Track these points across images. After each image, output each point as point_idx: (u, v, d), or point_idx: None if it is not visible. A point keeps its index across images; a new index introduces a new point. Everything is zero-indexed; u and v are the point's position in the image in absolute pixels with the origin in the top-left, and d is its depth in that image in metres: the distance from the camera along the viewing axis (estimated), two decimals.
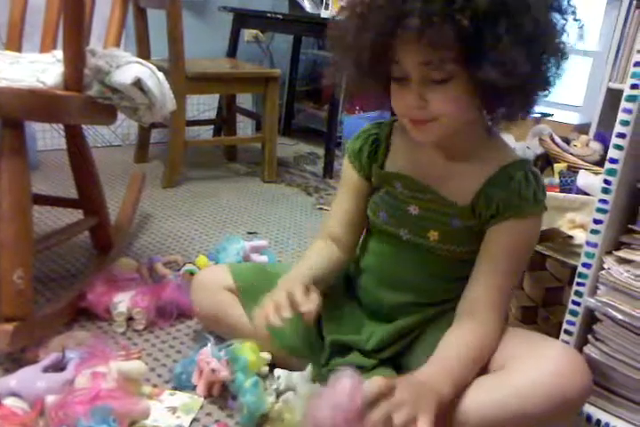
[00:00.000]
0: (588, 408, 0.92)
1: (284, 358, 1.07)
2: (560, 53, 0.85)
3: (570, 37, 0.86)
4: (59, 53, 1.14)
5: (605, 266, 0.90)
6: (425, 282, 1.00)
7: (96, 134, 2.56)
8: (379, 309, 1.04)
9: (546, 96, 0.89)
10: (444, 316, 0.98)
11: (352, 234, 1.07)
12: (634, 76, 0.85)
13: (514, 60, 0.78)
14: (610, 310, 0.88)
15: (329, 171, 2.46)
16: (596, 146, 2.05)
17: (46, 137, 2.42)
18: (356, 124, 2.87)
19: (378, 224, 1.03)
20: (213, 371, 0.98)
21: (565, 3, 0.86)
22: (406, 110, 0.88)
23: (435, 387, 0.80)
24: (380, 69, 0.87)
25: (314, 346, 1.04)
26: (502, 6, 0.77)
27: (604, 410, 0.92)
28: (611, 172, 0.88)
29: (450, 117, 0.87)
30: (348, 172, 1.07)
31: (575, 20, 0.86)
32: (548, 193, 0.95)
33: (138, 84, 1.16)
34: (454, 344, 0.89)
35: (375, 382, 0.75)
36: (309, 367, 1.03)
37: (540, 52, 0.82)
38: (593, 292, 0.92)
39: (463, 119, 0.89)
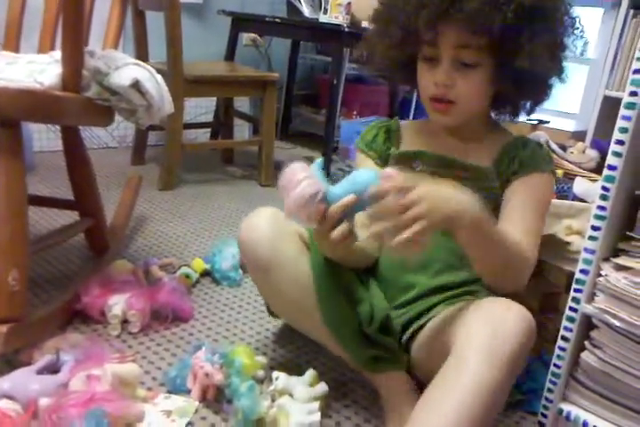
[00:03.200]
0: (586, 416, 0.92)
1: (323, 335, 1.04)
2: (562, 59, 0.98)
3: (575, 51, 1.00)
4: (57, 54, 1.14)
5: (603, 273, 0.90)
6: (444, 259, 1.01)
7: (93, 136, 2.55)
8: (399, 293, 1.04)
9: (537, 101, 1.02)
10: (457, 299, 0.99)
11: None
12: (633, 83, 0.85)
13: (543, 54, 0.91)
14: (607, 316, 0.88)
15: (326, 175, 2.46)
16: (592, 153, 2.06)
17: (43, 138, 2.41)
18: (353, 128, 2.87)
19: None
20: (207, 375, 0.98)
21: (576, 21, 0.98)
22: (433, 88, 0.97)
23: (460, 206, 0.82)
24: (413, 47, 0.98)
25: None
26: (540, 7, 0.90)
27: (601, 417, 0.91)
28: (609, 178, 0.88)
29: (468, 101, 0.97)
30: (362, 164, 1.10)
31: (582, 37, 0.99)
32: None
33: (136, 85, 1.16)
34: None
35: (393, 172, 0.79)
36: (308, 372, 1.02)
37: (558, 54, 0.95)
38: (590, 298, 0.91)
39: (478, 105, 1.00)
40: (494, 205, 1.00)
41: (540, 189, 1.00)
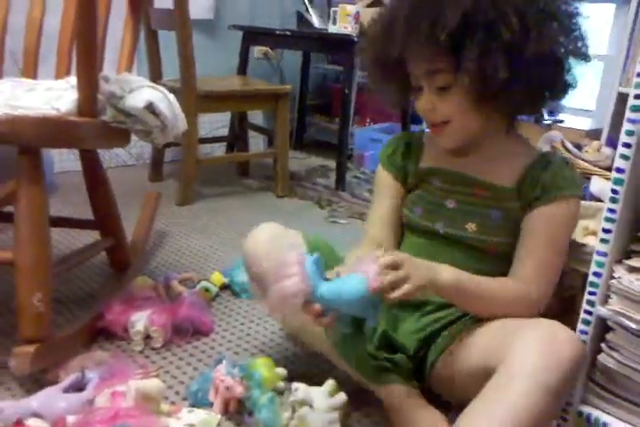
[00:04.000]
0: (605, 418, 0.92)
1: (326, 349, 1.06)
2: (558, 56, 0.92)
3: (572, 41, 0.94)
4: (73, 80, 1.17)
5: (616, 275, 0.90)
6: None
7: (111, 155, 2.60)
8: (414, 309, 1.05)
9: (556, 96, 0.98)
10: (461, 321, 1.00)
11: (393, 237, 1.10)
12: (638, 86, 0.85)
13: (491, 67, 0.87)
14: (622, 318, 0.88)
15: (341, 183, 2.48)
16: (607, 151, 2.04)
17: (63, 159, 2.46)
18: (366, 136, 2.89)
19: (413, 220, 1.07)
20: (228, 389, 1.00)
21: (562, 8, 0.93)
22: (423, 114, 1.00)
23: (434, 269, 0.89)
24: (401, 81, 1.01)
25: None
26: (475, 22, 0.86)
27: (621, 419, 0.91)
28: (618, 181, 0.88)
29: (457, 120, 0.97)
30: (382, 178, 1.12)
31: (573, 24, 0.94)
32: None
33: (150, 107, 1.19)
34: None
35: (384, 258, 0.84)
36: (328, 382, 1.03)
37: (528, 57, 0.88)
38: (604, 301, 0.91)
39: (473, 122, 0.98)
40: (513, 224, 0.99)
41: (561, 220, 0.97)
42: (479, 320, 0.97)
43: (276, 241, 1.04)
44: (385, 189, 1.12)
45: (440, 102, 0.96)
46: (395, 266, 0.83)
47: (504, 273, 0.99)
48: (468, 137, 1.00)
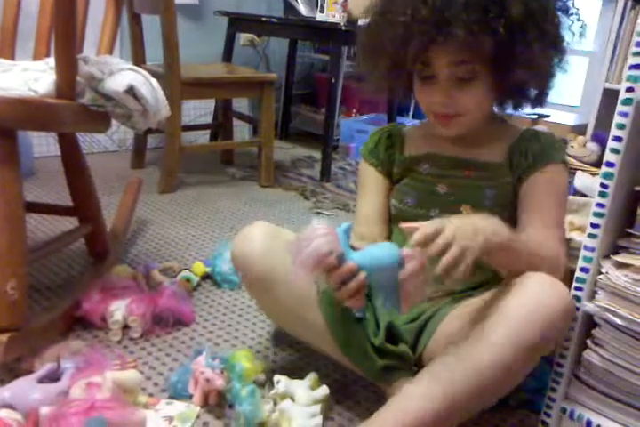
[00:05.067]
0: (589, 414, 0.91)
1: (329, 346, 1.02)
2: (563, 50, 0.96)
3: (574, 37, 0.97)
4: (51, 61, 1.14)
5: (603, 270, 0.89)
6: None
7: (92, 140, 2.55)
8: None
9: (551, 88, 1.00)
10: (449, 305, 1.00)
11: (383, 231, 1.08)
12: (629, 79, 0.84)
13: (541, 63, 0.90)
14: (608, 314, 0.87)
15: (326, 174, 2.46)
16: (593, 147, 2.05)
17: (42, 143, 2.41)
18: (352, 126, 2.87)
19: (405, 210, 1.05)
20: (208, 380, 0.97)
21: (570, 4, 0.96)
22: (433, 106, 0.97)
23: (483, 228, 0.81)
24: (408, 70, 0.96)
25: (366, 326, 1.00)
26: (531, 15, 0.87)
27: (605, 415, 0.91)
28: (607, 175, 0.87)
29: (473, 111, 0.96)
30: (365, 172, 1.10)
31: (579, 20, 0.97)
32: None
33: (131, 91, 1.16)
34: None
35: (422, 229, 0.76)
36: (310, 375, 1.02)
37: (557, 53, 0.94)
38: (591, 296, 0.91)
39: (485, 112, 1.00)
40: (510, 200, 1.00)
41: (558, 181, 1.00)
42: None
43: (270, 241, 0.99)
44: (370, 184, 1.10)
45: (459, 93, 0.93)
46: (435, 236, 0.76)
47: None
48: (475, 125, 1.00)
